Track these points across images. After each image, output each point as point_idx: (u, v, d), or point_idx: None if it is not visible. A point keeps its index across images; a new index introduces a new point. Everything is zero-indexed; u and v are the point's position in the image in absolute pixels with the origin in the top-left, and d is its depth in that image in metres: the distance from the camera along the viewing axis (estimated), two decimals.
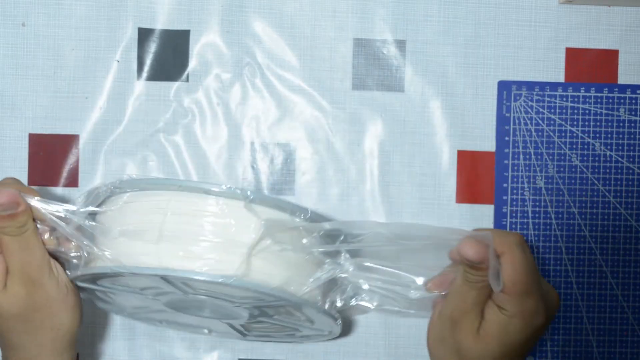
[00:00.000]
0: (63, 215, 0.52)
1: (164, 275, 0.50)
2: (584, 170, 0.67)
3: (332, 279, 0.54)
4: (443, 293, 0.54)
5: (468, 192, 0.66)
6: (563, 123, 0.67)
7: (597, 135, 0.67)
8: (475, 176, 0.66)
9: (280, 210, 0.52)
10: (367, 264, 0.55)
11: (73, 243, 0.53)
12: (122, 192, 0.52)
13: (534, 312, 0.51)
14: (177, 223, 0.51)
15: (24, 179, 0.65)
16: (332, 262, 0.54)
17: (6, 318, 0.53)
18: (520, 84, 0.66)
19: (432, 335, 0.55)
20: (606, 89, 0.67)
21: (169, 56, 0.66)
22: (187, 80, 0.66)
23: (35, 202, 0.51)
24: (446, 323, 0.53)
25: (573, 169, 0.67)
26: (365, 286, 0.56)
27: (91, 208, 0.53)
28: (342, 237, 0.54)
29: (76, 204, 0.53)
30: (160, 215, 0.51)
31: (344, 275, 0.54)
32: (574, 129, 0.67)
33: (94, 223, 0.52)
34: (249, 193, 0.50)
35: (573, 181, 0.67)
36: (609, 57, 0.67)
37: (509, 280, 0.49)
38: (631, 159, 0.67)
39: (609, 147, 0.67)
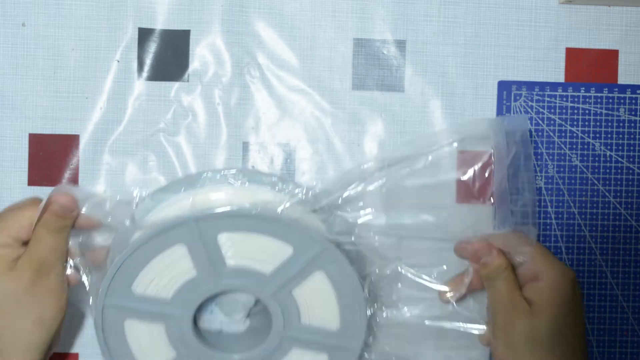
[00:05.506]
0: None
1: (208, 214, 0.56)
2: (584, 170, 0.67)
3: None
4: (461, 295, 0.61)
5: (468, 192, 0.66)
6: (563, 123, 0.67)
7: (597, 135, 0.67)
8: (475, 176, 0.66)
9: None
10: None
11: (92, 256, 0.60)
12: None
13: (564, 267, 0.59)
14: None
15: (24, 179, 0.65)
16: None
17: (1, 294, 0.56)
18: (520, 84, 0.66)
19: (500, 353, 0.59)
20: (606, 89, 0.67)
21: (169, 56, 0.66)
22: (187, 80, 0.66)
23: (85, 211, 0.58)
24: (503, 331, 0.58)
25: (573, 169, 0.67)
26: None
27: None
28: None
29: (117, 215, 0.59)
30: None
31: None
32: (574, 129, 0.67)
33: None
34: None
35: (573, 181, 0.67)
36: (609, 57, 0.67)
37: (525, 249, 0.58)
38: (631, 159, 0.67)
39: (609, 147, 0.67)
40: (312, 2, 0.66)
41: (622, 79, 0.67)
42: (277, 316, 0.59)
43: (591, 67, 0.67)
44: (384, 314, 0.62)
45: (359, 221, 0.62)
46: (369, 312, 0.60)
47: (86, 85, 0.66)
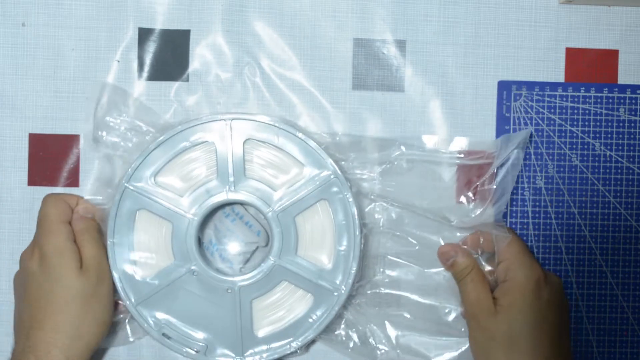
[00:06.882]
0: None
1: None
2: (584, 170, 0.67)
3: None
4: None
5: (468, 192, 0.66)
6: (563, 123, 0.67)
7: (597, 135, 0.67)
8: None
9: None
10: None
11: None
12: None
13: (531, 267, 0.60)
14: None
15: (24, 179, 0.65)
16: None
17: (72, 292, 0.59)
18: (520, 84, 0.66)
19: (474, 351, 0.62)
20: (606, 89, 0.67)
21: (169, 56, 0.66)
22: (187, 80, 0.66)
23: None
24: (472, 329, 0.61)
25: (573, 169, 0.67)
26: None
27: None
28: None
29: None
30: None
31: None
32: (574, 129, 0.67)
33: None
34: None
35: (573, 181, 0.67)
36: (609, 57, 0.67)
37: (501, 250, 0.61)
38: (631, 159, 0.67)
39: (609, 147, 0.67)
40: (312, 2, 0.66)
41: (622, 79, 0.67)
42: (276, 239, 0.62)
43: (591, 67, 0.67)
44: (373, 278, 0.65)
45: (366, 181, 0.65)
46: (359, 264, 0.62)
47: (86, 85, 0.66)
